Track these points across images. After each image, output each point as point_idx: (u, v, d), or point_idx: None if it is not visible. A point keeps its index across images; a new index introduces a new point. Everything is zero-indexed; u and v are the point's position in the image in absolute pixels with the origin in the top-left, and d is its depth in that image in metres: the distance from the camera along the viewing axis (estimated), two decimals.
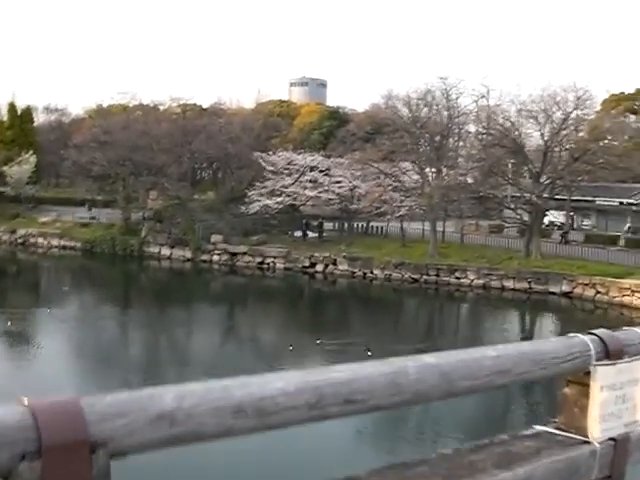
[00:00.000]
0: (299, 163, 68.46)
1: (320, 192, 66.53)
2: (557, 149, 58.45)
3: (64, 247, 71.32)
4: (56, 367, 29.54)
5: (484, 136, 64.44)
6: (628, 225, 64.36)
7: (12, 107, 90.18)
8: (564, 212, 68.03)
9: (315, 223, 67.41)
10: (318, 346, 33.58)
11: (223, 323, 44.22)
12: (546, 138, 57.81)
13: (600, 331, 3.48)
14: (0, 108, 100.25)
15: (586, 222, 71.94)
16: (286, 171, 68.05)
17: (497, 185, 61.56)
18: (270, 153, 69.56)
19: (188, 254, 65.38)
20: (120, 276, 63.58)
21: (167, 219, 67.42)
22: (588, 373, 3.37)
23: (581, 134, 60.34)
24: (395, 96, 64.77)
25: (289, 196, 66.50)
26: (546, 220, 65.03)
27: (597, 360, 3.35)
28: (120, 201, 70.82)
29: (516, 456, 3.09)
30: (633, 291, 48.25)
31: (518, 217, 60.77)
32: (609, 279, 49.79)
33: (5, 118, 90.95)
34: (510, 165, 62.35)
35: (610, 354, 3.40)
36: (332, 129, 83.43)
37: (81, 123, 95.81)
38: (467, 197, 59.92)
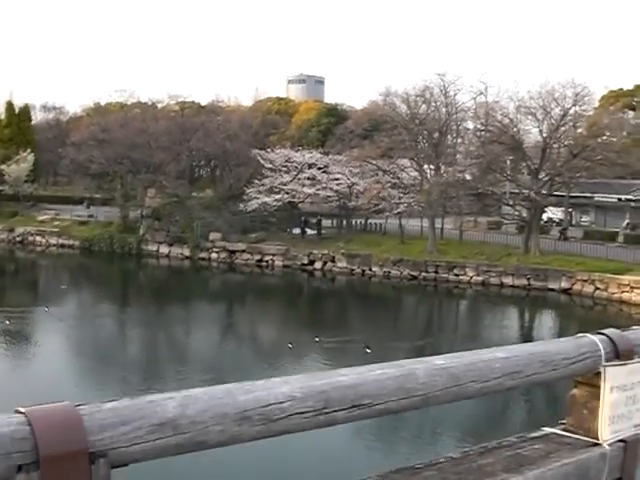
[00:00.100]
0: (297, 160, 68.38)
1: (318, 189, 66.47)
2: (556, 145, 58.34)
3: (62, 245, 71.23)
4: (54, 366, 29.47)
5: (482, 133, 64.37)
6: (627, 221, 64.26)
7: (10, 105, 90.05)
8: (563, 208, 67.95)
9: (313, 220, 67.34)
10: (317, 344, 33.47)
11: (222, 321, 44.16)
12: (545, 134, 57.74)
13: (609, 331, 3.42)
14: None
15: (585, 218, 71.87)
16: (284, 168, 67.96)
17: (496, 182, 61.45)
18: (268, 150, 69.44)
19: (186, 252, 65.29)
20: (118, 274, 63.50)
21: (165, 217, 67.30)
22: (598, 374, 3.31)
23: (579, 130, 60.28)
24: (393, 93, 64.75)
25: (287, 193, 66.42)
26: (545, 217, 64.97)
27: (607, 360, 3.29)
28: (118, 199, 70.73)
29: (525, 459, 3.03)
30: (632, 287, 48.19)
31: (517, 214, 60.70)
32: (608, 275, 49.75)
33: (3, 116, 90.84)
34: (509, 162, 62.27)
35: (620, 354, 3.34)
36: (330, 126, 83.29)
37: (79, 121, 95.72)
38: (466, 194, 59.86)
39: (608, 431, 3.30)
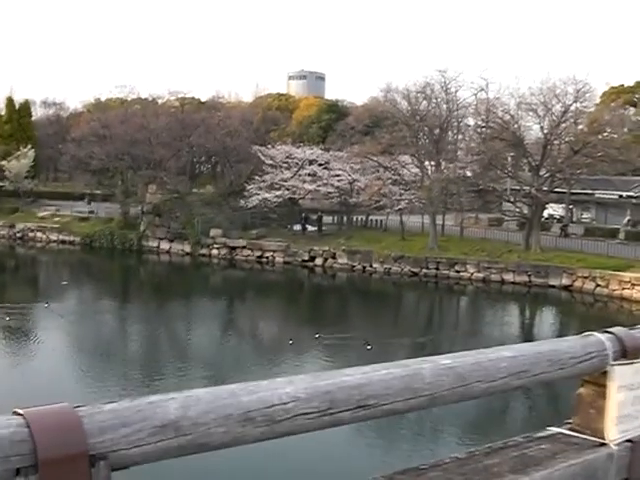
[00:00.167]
0: (298, 156, 68.34)
1: (319, 185, 66.44)
2: (557, 142, 58.30)
3: (63, 241, 71.24)
4: (54, 362, 29.45)
5: (483, 129, 64.33)
6: (628, 218, 64.21)
7: (10, 101, 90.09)
8: (564, 205, 67.93)
9: (314, 217, 67.33)
10: (317, 340, 33.43)
11: (223, 317, 44.14)
12: (546, 131, 57.68)
13: (617, 329, 3.38)
14: None
15: (586, 215, 71.86)
16: (285, 165, 67.93)
17: (497, 178, 61.46)
18: (269, 147, 69.43)
19: (187, 248, 65.28)
20: (119, 270, 63.51)
21: (166, 213, 67.28)
22: (604, 373, 3.27)
23: (580, 127, 60.16)
24: (394, 89, 64.67)
25: (288, 190, 66.38)
26: (545, 213, 64.94)
27: (614, 359, 3.25)
28: (119, 195, 70.74)
29: (532, 460, 2.99)
30: (633, 284, 48.16)
31: (518, 210, 60.65)
32: (609, 272, 49.70)
33: (3, 112, 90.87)
34: (510, 158, 62.24)
35: (627, 353, 3.30)
36: (331, 122, 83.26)
37: (79, 117, 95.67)
38: (466, 190, 59.87)
39: (615, 431, 3.26)
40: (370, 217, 68.54)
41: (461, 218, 62.97)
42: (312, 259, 60.88)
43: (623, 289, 48.62)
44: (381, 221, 67.24)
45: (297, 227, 66.63)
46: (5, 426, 1.65)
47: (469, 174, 62.94)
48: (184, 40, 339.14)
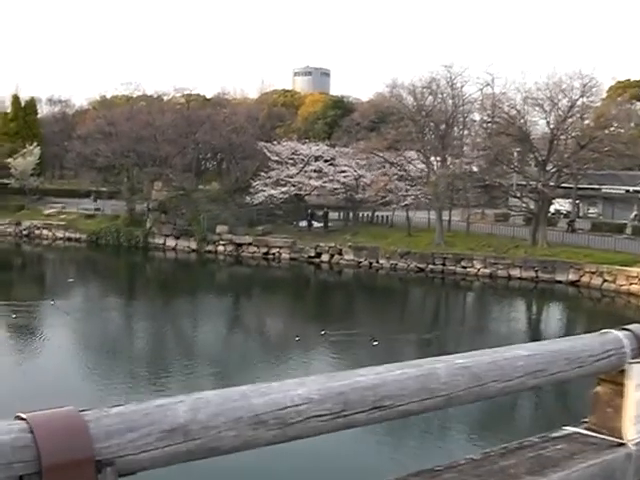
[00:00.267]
0: (304, 153, 68.29)
1: (325, 182, 66.41)
2: (563, 137, 58.13)
3: (69, 239, 71.31)
4: (59, 359, 29.42)
5: (489, 124, 64.20)
6: (635, 213, 64.07)
7: (16, 99, 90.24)
8: (570, 200, 67.76)
9: (320, 213, 67.25)
10: (323, 337, 33.35)
11: (229, 314, 44.13)
12: (552, 126, 57.51)
13: (634, 326, 3.31)
14: (4, 100, 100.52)
15: (592, 210, 71.71)
16: (291, 161, 67.88)
17: (503, 173, 61.32)
18: (274, 143, 69.38)
19: (193, 245, 65.28)
20: (125, 267, 63.54)
21: (172, 210, 67.27)
22: (622, 371, 3.20)
23: (587, 122, 60.01)
24: (400, 85, 64.60)
25: (294, 186, 66.35)
26: (552, 208, 64.79)
27: (632, 357, 3.18)
28: (125, 192, 70.75)
29: (549, 461, 2.93)
30: None
31: (524, 205, 60.50)
32: (616, 267, 49.55)
33: (9, 110, 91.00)
34: (516, 153, 62.07)
35: None
36: (336, 118, 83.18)
37: (85, 114, 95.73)
38: (473, 186, 59.77)
39: (633, 430, 3.20)
40: (376, 213, 68.46)
41: (467, 214, 62.86)
42: (318, 255, 60.82)
43: (630, 284, 48.45)
44: (387, 217, 67.14)
45: (303, 223, 66.58)
46: (7, 431, 1.59)
47: (475, 169, 62.83)
48: (189, 37, 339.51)
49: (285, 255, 61.56)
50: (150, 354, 32.54)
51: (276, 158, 67.56)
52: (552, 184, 57.24)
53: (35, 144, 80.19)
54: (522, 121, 58.72)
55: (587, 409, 3.39)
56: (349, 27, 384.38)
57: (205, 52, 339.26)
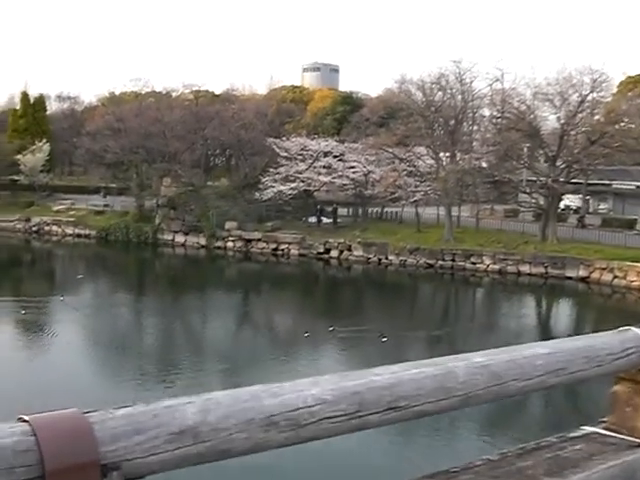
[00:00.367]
0: (313, 148, 68.22)
1: (334, 178, 66.34)
2: (573, 132, 57.84)
3: (78, 235, 71.42)
4: (68, 355, 29.42)
5: (499, 120, 63.98)
6: None
7: (25, 96, 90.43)
8: (580, 196, 67.53)
9: (329, 209, 67.22)
10: (331, 333, 33.28)
11: (238, 310, 44.10)
12: (562, 121, 57.26)
13: None
14: (13, 97, 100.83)
15: (603, 206, 71.45)
16: (300, 157, 67.82)
17: (512, 169, 61.16)
18: (283, 139, 69.34)
19: (202, 241, 65.30)
20: (134, 263, 63.63)
21: (181, 206, 67.31)
22: None
23: (597, 117, 59.70)
24: (409, 80, 64.43)
25: (303, 182, 66.30)
26: (562, 204, 64.57)
27: None
28: (134, 188, 70.83)
29: (567, 462, 2.85)
30: None
31: (534, 201, 60.34)
32: (627, 263, 49.28)
33: (18, 107, 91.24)
34: (526, 149, 61.85)
35: None
36: (346, 114, 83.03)
37: (94, 111, 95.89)
38: (482, 181, 59.60)
39: None
40: (385, 209, 68.40)
41: (477, 209, 62.67)
42: (327, 251, 60.78)
43: None
44: (396, 213, 67.07)
45: (312, 219, 66.55)
46: (9, 434, 1.52)
47: (485, 165, 62.67)
48: (198, 33, 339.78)
49: (294, 251, 61.53)
50: (160, 350, 32.54)
51: (285, 154, 67.52)
52: (562, 180, 57.04)
53: (44, 141, 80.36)
54: (532, 116, 58.52)
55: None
56: (358, 23, 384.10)
57: (214, 48, 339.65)
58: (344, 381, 2.08)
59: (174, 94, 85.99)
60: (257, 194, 65.72)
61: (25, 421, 1.56)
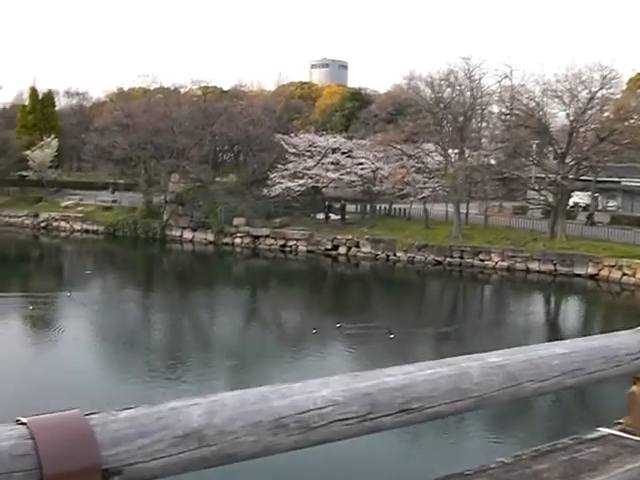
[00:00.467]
0: (321, 145, 68.13)
1: (342, 174, 66.25)
2: (582, 129, 57.61)
3: (86, 231, 71.54)
4: (75, 351, 29.39)
5: (508, 117, 63.75)
6: None
7: (33, 91, 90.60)
8: (589, 193, 67.29)
9: (337, 205, 67.13)
10: (339, 329, 33.20)
11: (246, 306, 44.07)
12: (571, 118, 57.01)
13: None
14: (22, 93, 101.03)
15: (611, 203, 71.16)
16: (308, 153, 67.74)
17: (521, 166, 60.91)
18: (292, 135, 69.24)
19: (210, 237, 65.31)
20: (142, 259, 63.68)
21: (189, 202, 67.33)
22: None
23: (607, 114, 59.44)
24: (417, 77, 64.31)
25: (311, 178, 66.23)
26: (571, 201, 64.34)
27: None
28: (142, 184, 70.87)
29: (584, 465, 2.77)
30: None
31: (543, 198, 60.14)
32: (636, 261, 49.04)
33: (27, 102, 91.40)
34: (534, 146, 61.66)
35: None
36: (354, 110, 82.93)
37: (102, 107, 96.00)
38: (491, 178, 59.45)
39: None
40: (393, 205, 68.26)
41: (485, 206, 62.52)
42: (335, 248, 60.71)
43: None
44: (404, 209, 66.95)
45: (320, 216, 66.47)
46: (6, 438, 1.45)
47: (493, 162, 62.47)
48: (206, 29, 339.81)
49: (302, 247, 61.47)
50: (168, 346, 32.50)
51: (293, 150, 67.44)
52: (571, 177, 56.83)
53: (53, 136, 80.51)
54: (541, 113, 58.30)
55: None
56: (366, 19, 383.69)
57: (222, 44, 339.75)
58: (355, 382, 2.01)
59: (182, 90, 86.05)
60: (265, 190, 65.68)
61: (23, 423, 1.50)
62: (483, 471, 2.62)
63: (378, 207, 69.42)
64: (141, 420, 1.61)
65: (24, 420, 1.50)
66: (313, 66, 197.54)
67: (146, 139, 69.18)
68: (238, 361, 28.18)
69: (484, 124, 67.89)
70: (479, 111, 65.14)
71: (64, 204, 76.08)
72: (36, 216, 74.46)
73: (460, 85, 62.50)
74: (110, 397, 20.22)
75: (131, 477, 1.57)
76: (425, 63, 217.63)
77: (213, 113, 73.00)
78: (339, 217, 66.04)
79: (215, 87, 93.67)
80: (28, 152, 77.89)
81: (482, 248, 55.50)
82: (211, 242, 65.09)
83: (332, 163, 67.04)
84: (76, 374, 24.95)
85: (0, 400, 18.47)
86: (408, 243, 57.44)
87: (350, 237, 60.38)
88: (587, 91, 56.30)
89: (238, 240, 64.24)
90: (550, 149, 61.93)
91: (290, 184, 64.85)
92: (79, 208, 74.85)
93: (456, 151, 61.34)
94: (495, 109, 67.40)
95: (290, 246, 62.04)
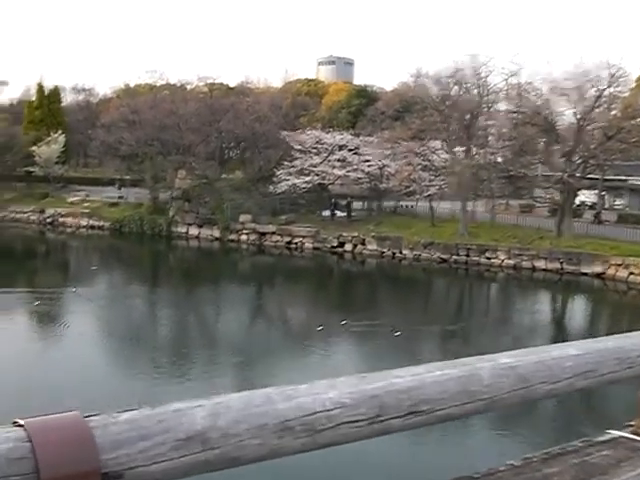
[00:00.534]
0: (328, 142, 68.10)
1: (349, 171, 66.24)
2: (590, 127, 57.44)
3: (92, 227, 71.61)
4: (80, 347, 29.36)
5: (515, 114, 63.55)
6: None
7: (40, 87, 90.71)
8: (595, 191, 67.11)
9: (343, 202, 67.10)
10: (345, 326, 33.13)
11: (252, 302, 44.02)
12: (579, 116, 56.83)
13: None
14: (29, 89, 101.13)
15: (618, 202, 70.96)
16: (314, 150, 67.71)
17: (528, 164, 60.75)
18: (298, 132, 69.26)
19: (216, 233, 65.32)
20: (148, 255, 63.69)
21: (195, 198, 67.35)
22: None
23: (614, 112, 59.26)
24: (424, 74, 64.33)
25: (317, 175, 66.20)
26: (577, 200, 64.18)
27: None
28: (148, 181, 70.88)
29: (595, 468, 2.72)
30: None
31: (549, 197, 60.01)
32: None
33: (33, 98, 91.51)
34: (542, 144, 61.50)
35: None
36: (361, 108, 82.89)
37: (109, 103, 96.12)
38: (497, 176, 59.34)
39: None
40: (400, 203, 68.22)
41: (492, 204, 62.45)
42: (341, 245, 60.66)
43: None
44: (411, 207, 66.89)
45: (326, 213, 66.45)
46: (2, 440, 1.40)
47: (500, 160, 62.38)
48: (213, 25, 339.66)
49: (308, 245, 61.43)
50: (173, 342, 32.45)
51: (300, 147, 67.42)
52: (578, 175, 56.68)
53: (59, 132, 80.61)
54: (548, 111, 58.17)
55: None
56: (373, 16, 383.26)
57: (229, 41, 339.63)
58: (363, 383, 1.96)
59: (189, 86, 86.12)
60: (271, 187, 65.70)
61: (20, 425, 1.45)
62: (492, 474, 2.57)
63: (384, 204, 69.35)
64: (142, 422, 1.56)
65: (21, 422, 1.45)
66: (320, 63, 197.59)
67: (152, 135, 69.24)
68: (244, 358, 28.12)
69: (491, 122, 67.65)
70: (486, 109, 64.97)
71: (70, 200, 76.17)
72: (42, 212, 74.56)
73: (467, 83, 62.39)
74: (116, 393, 20.21)
75: None
76: (432, 61, 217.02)
77: (219, 110, 72.98)
78: (345, 214, 66.02)
79: (222, 84, 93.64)
80: (35, 148, 78.02)
81: (488, 246, 55.40)
82: (217, 239, 65.09)
83: (338, 160, 67.03)
84: (82, 370, 24.92)
85: (5, 396, 18.47)
86: (414, 241, 57.36)
87: (356, 234, 60.32)
88: (595, 89, 56.12)
89: (244, 237, 64.24)
90: (557, 147, 61.72)
91: (296, 181, 64.85)
92: (85, 204, 74.93)
93: (463, 149, 61.27)
94: (502, 107, 67.21)
95: (296, 243, 62.00)
